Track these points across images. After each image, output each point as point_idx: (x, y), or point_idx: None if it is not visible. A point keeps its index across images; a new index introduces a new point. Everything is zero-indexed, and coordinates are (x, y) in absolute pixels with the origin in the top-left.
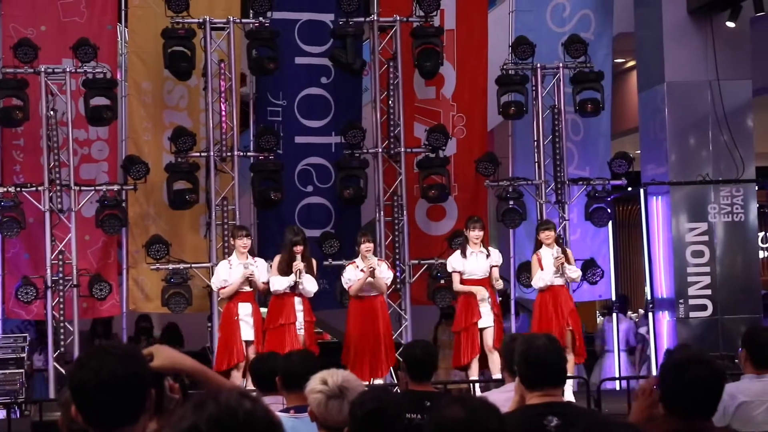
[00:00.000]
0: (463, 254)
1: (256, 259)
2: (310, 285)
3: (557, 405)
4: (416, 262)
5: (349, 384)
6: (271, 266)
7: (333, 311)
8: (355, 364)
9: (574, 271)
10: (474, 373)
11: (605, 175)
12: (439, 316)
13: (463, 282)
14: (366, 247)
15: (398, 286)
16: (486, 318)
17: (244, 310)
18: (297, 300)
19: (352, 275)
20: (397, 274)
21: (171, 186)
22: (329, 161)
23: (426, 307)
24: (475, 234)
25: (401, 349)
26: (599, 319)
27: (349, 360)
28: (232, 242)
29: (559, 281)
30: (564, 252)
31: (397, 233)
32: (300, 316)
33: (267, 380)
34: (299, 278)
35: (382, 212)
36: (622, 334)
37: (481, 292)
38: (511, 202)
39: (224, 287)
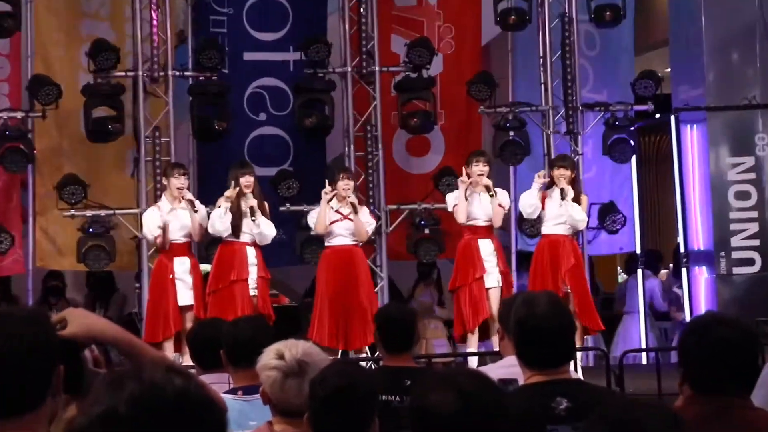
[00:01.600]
0: (463, 194)
1: (196, 202)
2: (267, 228)
3: (565, 383)
4: (394, 207)
5: (310, 358)
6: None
7: (291, 269)
8: (328, 331)
9: (578, 212)
10: (473, 345)
11: (627, 99)
12: (417, 275)
13: (462, 229)
14: (345, 185)
15: (372, 236)
16: (491, 277)
17: (181, 266)
18: (250, 250)
19: (316, 214)
20: None
21: (89, 113)
22: (286, 83)
23: (406, 264)
24: (479, 169)
25: (375, 313)
26: (621, 277)
27: (319, 325)
28: (165, 182)
29: (561, 228)
30: (577, 197)
31: (370, 172)
32: (253, 271)
33: (209, 354)
34: (253, 215)
35: (352, 146)
36: (648, 295)
37: (485, 246)
38: (512, 134)
39: (157, 238)
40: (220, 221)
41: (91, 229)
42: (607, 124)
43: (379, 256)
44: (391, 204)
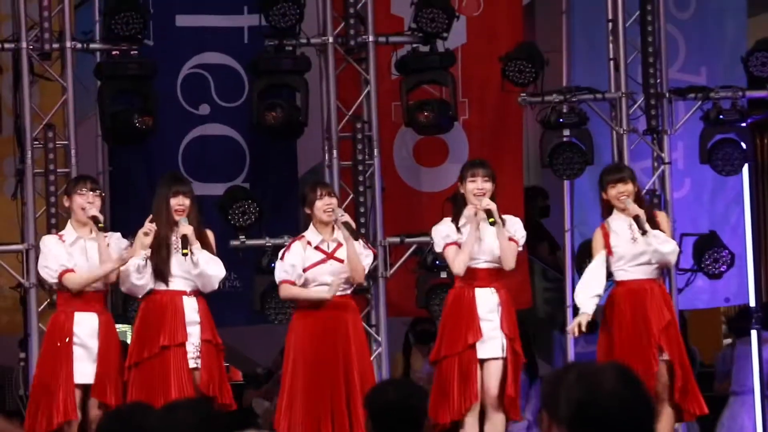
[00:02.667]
0: (456, 222)
1: (109, 233)
2: (210, 266)
3: None
4: (396, 240)
5: None
6: (131, 245)
7: (247, 331)
8: (302, 424)
9: (663, 241)
10: None
11: (737, 82)
12: (411, 335)
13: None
14: (325, 204)
15: (365, 283)
16: (490, 344)
17: (86, 326)
18: (189, 302)
19: (295, 260)
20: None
21: None
22: (239, 60)
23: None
24: (476, 186)
25: (366, 395)
26: (725, 341)
27: (289, 415)
28: (66, 203)
29: (643, 271)
30: (650, 219)
31: (362, 189)
32: (195, 333)
33: None
34: (185, 248)
35: (335, 151)
36: (767, 368)
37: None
38: (567, 133)
39: (69, 271)
40: (137, 276)
41: None
42: (706, 119)
43: (374, 312)
44: (391, 236)
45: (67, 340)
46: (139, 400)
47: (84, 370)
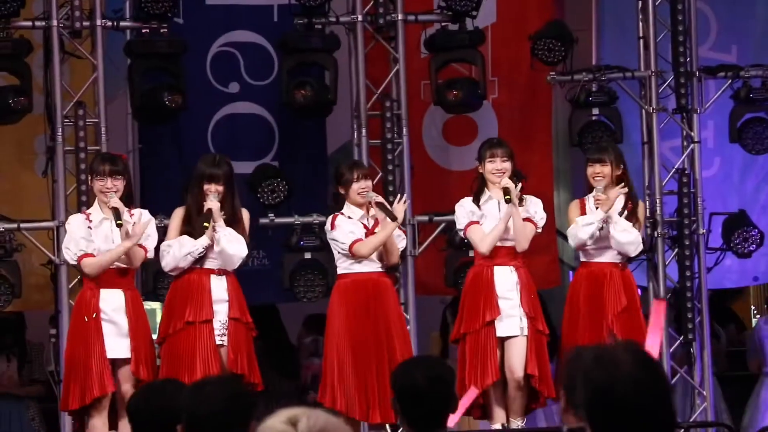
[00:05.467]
0: (476, 201)
1: (136, 211)
2: (231, 244)
3: None
4: (425, 219)
5: (333, 427)
6: (163, 226)
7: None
8: (350, 395)
9: (622, 230)
10: (499, 419)
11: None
12: (449, 314)
13: (474, 254)
14: (361, 186)
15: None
16: (509, 321)
17: (112, 302)
18: (217, 281)
19: (351, 226)
20: None
21: None
22: (268, 39)
23: (428, 298)
24: (493, 166)
25: (393, 375)
26: (755, 320)
27: (337, 386)
28: (91, 183)
29: (605, 254)
30: (633, 207)
31: (391, 168)
32: (222, 311)
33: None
34: (213, 227)
35: (364, 130)
36: None
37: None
38: (596, 111)
39: (87, 256)
40: (185, 258)
41: None
42: (737, 98)
43: (403, 290)
44: (420, 214)
45: (94, 315)
46: (169, 376)
47: (114, 345)
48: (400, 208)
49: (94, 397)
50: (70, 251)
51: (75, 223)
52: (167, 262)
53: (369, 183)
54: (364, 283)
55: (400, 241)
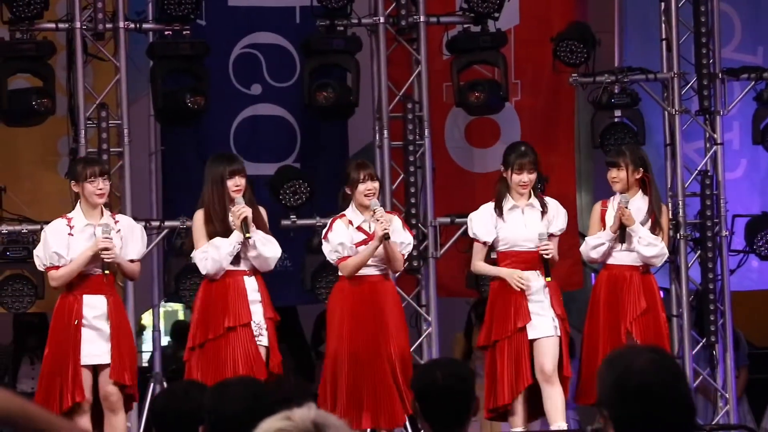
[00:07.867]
0: (499, 209)
1: (120, 217)
2: (268, 248)
3: None
4: (447, 221)
5: (328, 421)
6: (186, 227)
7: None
8: (345, 401)
9: (647, 245)
10: (518, 423)
11: None
12: (474, 316)
13: (497, 258)
14: (367, 187)
15: (415, 263)
16: (541, 322)
17: (95, 308)
18: (250, 282)
19: (342, 238)
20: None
21: (3, 84)
22: (291, 40)
23: (452, 300)
24: (519, 178)
25: (413, 376)
26: None
27: (331, 391)
28: (76, 188)
29: (626, 257)
30: (652, 208)
31: (412, 169)
32: (258, 312)
33: None
34: (248, 231)
35: (386, 131)
36: None
37: (525, 279)
38: (619, 113)
39: (53, 269)
40: (227, 258)
41: (8, 253)
42: (760, 100)
43: (425, 292)
44: (442, 216)
45: (76, 322)
46: (203, 381)
47: (94, 351)
48: (379, 227)
49: (68, 406)
50: (39, 258)
51: (52, 232)
52: (210, 267)
53: (375, 184)
54: (362, 287)
55: (405, 248)
